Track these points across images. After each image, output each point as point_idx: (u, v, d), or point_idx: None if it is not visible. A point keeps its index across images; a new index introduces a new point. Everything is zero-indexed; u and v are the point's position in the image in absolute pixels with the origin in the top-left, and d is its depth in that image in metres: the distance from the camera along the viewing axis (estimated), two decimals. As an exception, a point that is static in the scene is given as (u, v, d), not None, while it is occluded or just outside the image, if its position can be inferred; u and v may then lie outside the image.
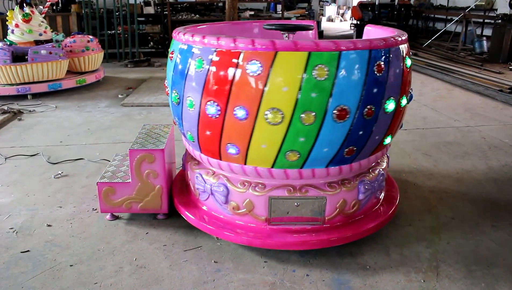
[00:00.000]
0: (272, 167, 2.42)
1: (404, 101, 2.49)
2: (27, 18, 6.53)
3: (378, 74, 2.23)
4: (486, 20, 11.55)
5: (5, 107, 5.73)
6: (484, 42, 10.24)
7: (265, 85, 2.15)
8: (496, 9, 11.79)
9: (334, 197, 2.54)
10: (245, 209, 2.58)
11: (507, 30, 9.19)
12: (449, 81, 7.70)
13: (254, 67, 2.14)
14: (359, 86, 2.19)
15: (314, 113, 2.17)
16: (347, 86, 2.18)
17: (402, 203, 3.15)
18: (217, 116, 2.29)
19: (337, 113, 2.19)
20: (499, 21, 9.63)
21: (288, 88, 2.14)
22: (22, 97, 6.32)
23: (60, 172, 3.76)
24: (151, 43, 11.17)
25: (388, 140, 2.60)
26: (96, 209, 3.13)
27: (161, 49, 10.79)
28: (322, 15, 17.69)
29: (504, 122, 5.31)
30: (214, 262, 2.55)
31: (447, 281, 2.39)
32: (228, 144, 2.38)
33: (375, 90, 2.25)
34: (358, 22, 14.01)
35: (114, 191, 2.87)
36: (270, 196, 2.51)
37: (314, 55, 2.11)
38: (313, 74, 2.12)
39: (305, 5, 16.73)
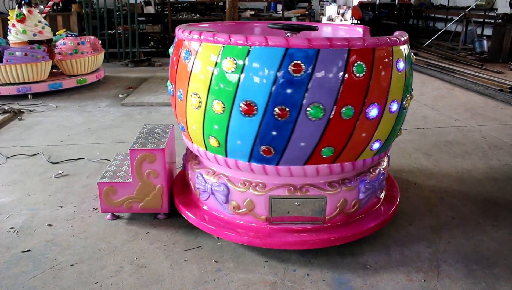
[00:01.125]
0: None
1: (371, 110, 2.31)
2: (19, 18, 6.53)
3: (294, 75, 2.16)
4: (486, 20, 11.54)
5: (6, 107, 5.73)
6: (485, 42, 10.23)
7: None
8: (497, 9, 11.79)
9: (335, 196, 2.54)
10: (245, 209, 2.58)
11: (508, 30, 9.19)
12: (449, 81, 7.70)
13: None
14: (268, 84, 2.17)
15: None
16: (252, 81, 2.20)
17: (402, 203, 3.15)
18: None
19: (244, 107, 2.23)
20: (500, 20, 9.62)
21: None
22: (22, 96, 6.32)
23: (60, 171, 3.76)
24: (152, 42, 11.17)
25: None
26: (96, 209, 3.13)
27: (162, 49, 10.79)
28: (323, 14, 17.67)
29: (505, 121, 5.31)
30: (215, 261, 2.55)
31: (447, 280, 2.39)
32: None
33: (286, 91, 2.17)
34: (359, 22, 14.01)
35: (114, 191, 2.87)
36: (270, 195, 2.51)
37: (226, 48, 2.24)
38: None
39: (306, 4, 16.72)
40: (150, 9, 10.97)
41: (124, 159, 3.22)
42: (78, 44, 6.83)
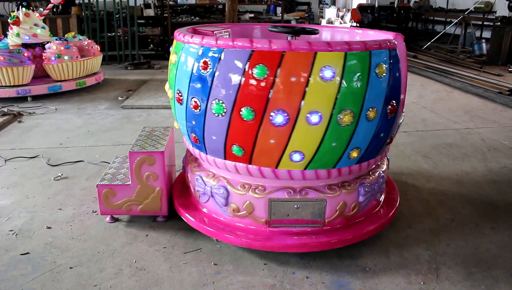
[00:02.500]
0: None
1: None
2: (12, 21, 6.54)
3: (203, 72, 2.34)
4: (485, 23, 11.56)
5: (5, 109, 5.73)
6: (483, 44, 10.25)
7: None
8: (495, 12, 11.81)
9: (334, 199, 2.54)
10: (245, 211, 2.58)
11: (506, 32, 9.21)
12: (448, 83, 7.71)
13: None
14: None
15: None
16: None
17: (402, 205, 3.16)
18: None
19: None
20: (498, 23, 9.65)
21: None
22: (22, 99, 6.32)
23: (60, 174, 3.76)
24: (151, 45, 11.17)
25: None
26: (96, 211, 3.13)
27: (161, 52, 10.80)
28: (322, 17, 17.69)
29: (504, 124, 5.31)
30: (214, 264, 2.55)
31: (447, 283, 2.39)
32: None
33: (196, 85, 2.39)
34: (358, 25, 14.03)
35: (114, 193, 2.87)
36: (270, 198, 2.51)
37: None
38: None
39: (305, 7, 16.76)
40: (150, 12, 10.97)
41: (124, 161, 3.22)
42: (63, 48, 6.54)
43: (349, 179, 2.62)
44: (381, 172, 2.80)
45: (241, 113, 2.25)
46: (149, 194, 2.88)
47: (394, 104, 2.43)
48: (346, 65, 2.19)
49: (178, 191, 3.05)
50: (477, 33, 11.75)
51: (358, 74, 2.23)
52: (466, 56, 10.34)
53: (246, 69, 2.20)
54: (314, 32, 2.83)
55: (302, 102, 2.19)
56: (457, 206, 3.25)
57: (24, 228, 2.94)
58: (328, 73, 2.16)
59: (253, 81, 2.20)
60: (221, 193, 2.61)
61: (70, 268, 2.51)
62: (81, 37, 7.34)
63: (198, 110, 2.41)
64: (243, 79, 2.21)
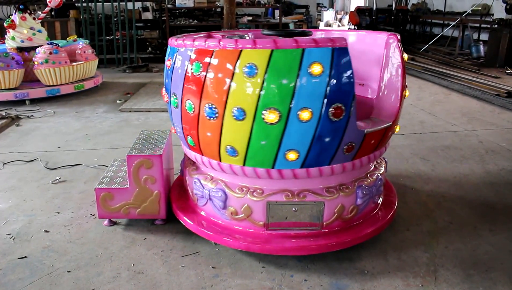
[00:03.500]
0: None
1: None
2: (7, 25, 6.55)
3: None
4: (482, 25, 11.60)
5: (3, 113, 5.73)
6: (481, 47, 10.28)
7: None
8: (493, 14, 11.84)
9: (332, 202, 2.54)
10: (243, 215, 2.58)
11: (504, 35, 9.23)
12: (446, 86, 7.72)
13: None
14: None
15: None
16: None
17: (400, 208, 3.16)
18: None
19: None
20: (496, 25, 9.68)
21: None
22: (20, 102, 6.32)
23: (58, 177, 3.76)
24: (149, 48, 11.19)
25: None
26: (94, 215, 3.12)
27: (159, 55, 10.81)
28: (320, 20, 17.72)
29: (501, 126, 5.32)
30: (212, 267, 2.54)
31: (445, 285, 2.39)
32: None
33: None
34: (356, 27, 14.06)
35: (112, 197, 2.87)
36: (268, 201, 2.51)
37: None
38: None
39: (303, 10, 16.79)
40: (148, 15, 10.99)
41: (122, 165, 3.22)
42: (50, 53, 6.41)
43: (347, 182, 2.62)
44: (379, 174, 2.80)
45: (185, 106, 2.49)
46: (147, 197, 2.88)
47: (341, 107, 2.26)
48: (270, 63, 2.17)
49: (176, 194, 3.05)
50: (475, 36, 11.79)
51: (284, 72, 2.18)
52: (464, 58, 10.37)
53: (188, 66, 2.44)
54: (307, 34, 2.84)
55: (227, 97, 2.28)
56: (455, 208, 3.25)
57: (22, 231, 2.93)
58: (251, 70, 2.19)
59: (192, 77, 2.41)
60: (219, 196, 2.61)
61: (68, 272, 2.51)
62: (82, 41, 7.33)
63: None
64: (186, 73, 2.46)
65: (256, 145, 2.33)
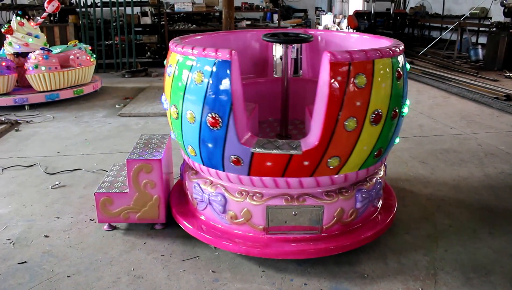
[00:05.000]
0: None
1: None
2: (4, 30, 6.57)
3: None
4: (481, 28, 11.62)
5: (3, 118, 5.73)
6: (479, 50, 10.29)
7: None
8: (491, 17, 11.87)
9: (332, 206, 2.54)
10: (243, 219, 2.58)
11: (502, 38, 9.25)
12: (445, 89, 7.73)
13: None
14: None
15: None
16: None
17: (399, 211, 3.16)
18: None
19: None
20: (494, 29, 9.69)
21: None
22: (19, 107, 6.32)
23: (57, 182, 3.76)
24: (148, 53, 11.19)
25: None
26: (93, 220, 3.12)
27: (158, 59, 10.81)
28: (319, 24, 17.75)
29: (500, 129, 5.33)
30: (212, 271, 2.54)
31: (445, 288, 2.39)
32: None
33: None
34: (354, 31, 14.10)
35: (111, 201, 2.87)
36: (267, 205, 2.51)
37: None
38: None
39: (302, 14, 16.82)
40: (147, 20, 11.00)
41: (121, 169, 3.22)
42: (41, 58, 6.28)
43: (347, 186, 2.62)
44: (378, 178, 2.81)
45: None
46: (147, 202, 2.88)
47: (216, 117, 2.35)
48: (180, 65, 2.52)
49: (176, 198, 3.05)
50: (473, 39, 11.81)
51: (183, 74, 2.47)
52: (463, 61, 10.38)
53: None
54: (309, 39, 2.85)
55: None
56: (455, 212, 3.26)
57: (22, 237, 2.93)
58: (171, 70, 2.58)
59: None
60: (218, 200, 2.61)
61: (68, 276, 2.50)
62: (83, 46, 7.33)
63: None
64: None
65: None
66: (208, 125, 2.39)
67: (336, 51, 2.27)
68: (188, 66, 2.44)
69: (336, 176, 2.49)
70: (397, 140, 2.81)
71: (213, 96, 2.35)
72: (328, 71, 2.24)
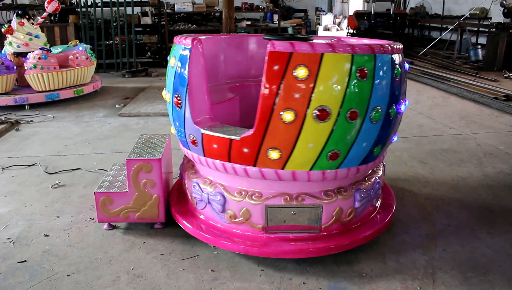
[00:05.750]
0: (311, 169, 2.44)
1: None
2: (4, 30, 6.58)
3: None
4: (480, 29, 11.65)
5: (3, 118, 5.74)
6: (479, 50, 10.31)
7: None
8: (490, 18, 11.89)
9: (330, 205, 2.55)
10: (242, 218, 2.59)
11: (501, 38, 9.27)
12: (444, 89, 7.75)
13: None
14: None
15: None
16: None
17: (398, 211, 3.17)
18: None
19: None
20: (494, 29, 9.71)
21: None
22: (19, 107, 6.33)
23: (57, 182, 3.77)
24: (149, 53, 11.22)
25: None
26: (93, 219, 3.13)
27: (159, 59, 10.84)
28: (319, 24, 17.76)
29: (499, 129, 5.34)
30: (211, 270, 2.55)
31: (443, 288, 2.40)
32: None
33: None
34: (355, 31, 14.11)
35: (111, 201, 2.88)
36: (266, 204, 2.52)
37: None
38: None
39: (302, 14, 16.84)
40: (147, 20, 11.02)
41: (121, 169, 3.23)
42: (40, 58, 6.30)
43: (345, 185, 2.63)
44: (377, 178, 2.82)
45: None
46: (147, 201, 2.89)
47: (178, 97, 2.67)
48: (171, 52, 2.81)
49: (176, 198, 3.06)
50: (473, 39, 11.83)
51: (170, 59, 2.77)
52: (462, 62, 10.40)
53: None
54: (309, 39, 2.86)
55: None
56: (453, 211, 3.27)
57: (22, 236, 2.94)
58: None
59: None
60: (218, 199, 2.62)
61: (68, 275, 2.51)
62: (83, 45, 7.34)
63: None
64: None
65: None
66: (174, 104, 2.71)
67: (279, 41, 2.26)
68: (172, 52, 2.79)
69: (282, 171, 2.43)
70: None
71: (178, 78, 2.66)
72: (266, 59, 2.25)
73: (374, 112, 2.35)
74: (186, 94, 2.60)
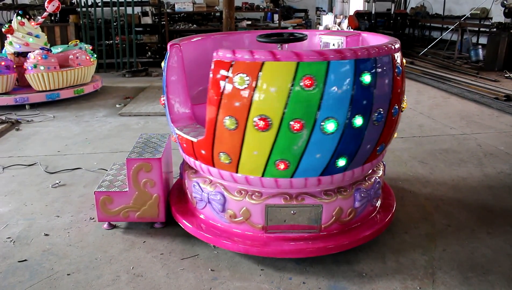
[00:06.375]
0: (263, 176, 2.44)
1: None
2: (4, 30, 6.59)
3: None
4: (481, 29, 11.63)
5: (3, 117, 5.75)
6: (480, 51, 10.30)
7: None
8: (491, 18, 11.87)
9: (330, 205, 2.55)
10: (242, 217, 2.59)
11: (502, 39, 9.25)
12: (445, 89, 7.74)
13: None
14: None
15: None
16: None
17: (398, 211, 3.17)
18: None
19: None
20: (494, 29, 9.70)
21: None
22: (20, 107, 6.34)
23: (57, 181, 3.77)
24: (149, 53, 11.20)
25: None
26: (93, 218, 3.14)
27: (159, 59, 10.83)
28: (319, 24, 17.76)
29: (500, 129, 5.34)
30: (211, 270, 2.55)
31: (443, 288, 2.40)
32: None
33: None
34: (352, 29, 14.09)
35: (111, 200, 2.88)
36: (266, 204, 2.52)
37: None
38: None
39: (302, 14, 16.83)
40: (147, 20, 11.02)
41: (121, 168, 3.23)
42: (40, 58, 6.30)
43: (345, 185, 2.63)
44: (377, 177, 2.82)
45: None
46: (147, 200, 2.89)
47: (163, 98, 2.93)
48: None
49: (176, 197, 3.07)
50: (474, 39, 11.82)
51: None
52: (463, 62, 10.38)
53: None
54: (303, 38, 2.85)
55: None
56: (453, 212, 3.26)
57: (22, 235, 2.94)
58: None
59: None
60: (218, 199, 2.62)
61: (68, 275, 2.52)
62: (83, 45, 7.34)
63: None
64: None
65: None
66: (163, 105, 3.00)
67: (224, 50, 2.28)
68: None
69: (237, 175, 2.47)
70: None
71: (163, 81, 2.89)
72: (212, 68, 2.32)
73: (326, 123, 2.22)
74: (166, 95, 2.89)
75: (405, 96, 2.70)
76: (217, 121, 2.32)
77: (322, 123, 2.22)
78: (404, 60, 2.71)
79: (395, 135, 2.75)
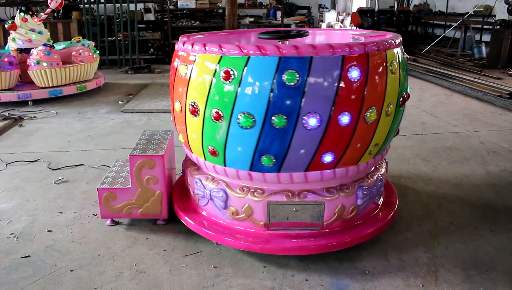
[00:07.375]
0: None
1: None
2: (7, 26, 6.60)
3: None
4: (484, 26, 11.59)
5: (6, 113, 5.76)
6: (483, 48, 10.26)
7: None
8: (495, 15, 11.83)
9: (333, 202, 2.55)
10: (244, 214, 2.59)
11: (506, 36, 9.22)
12: (448, 87, 7.72)
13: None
14: None
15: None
16: None
17: (401, 208, 3.17)
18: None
19: None
20: (498, 27, 9.66)
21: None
22: (23, 103, 6.35)
23: (60, 178, 3.78)
24: (152, 49, 11.21)
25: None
26: (96, 215, 3.14)
27: (161, 56, 10.84)
28: (322, 21, 17.73)
29: (503, 127, 5.32)
30: (214, 267, 2.56)
31: (445, 285, 2.40)
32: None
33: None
34: (358, 29, 14.07)
35: (114, 197, 2.89)
36: (269, 201, 2.52)
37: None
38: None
39: (305, 11, 16.80)
40: (150, 16, 11.02)
41: (124, 165, 3.24)
42: (43, 55, 6.32)
43: (348, 182, 2.63)
44: (379, 175, 2.81)
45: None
46: (150, 197, 2.89)
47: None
48: None
49: (178, 194, 3.07)
50: (477, 37, 11.78)
51: None
52: (466, 59, 10.36)
53: None
54: (304, 34, 2.84)
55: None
56: (456, 209, 3.26)
57: (25, 231, 2.95)
58: None
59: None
60: (220, 196, 2.62)
61: (71, 271, 2.52)
62: (86, 42, 7.34)
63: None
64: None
65: None
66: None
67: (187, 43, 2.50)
68: None
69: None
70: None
71: None
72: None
73: (242, 117, 2.24)
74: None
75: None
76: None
77: (239, 117, 2.27)
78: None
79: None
